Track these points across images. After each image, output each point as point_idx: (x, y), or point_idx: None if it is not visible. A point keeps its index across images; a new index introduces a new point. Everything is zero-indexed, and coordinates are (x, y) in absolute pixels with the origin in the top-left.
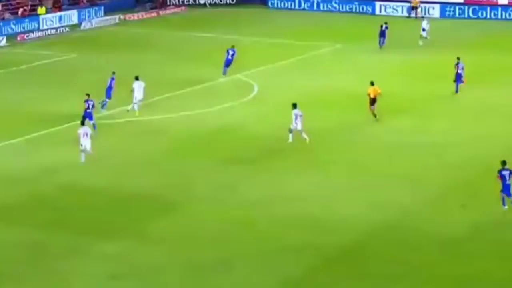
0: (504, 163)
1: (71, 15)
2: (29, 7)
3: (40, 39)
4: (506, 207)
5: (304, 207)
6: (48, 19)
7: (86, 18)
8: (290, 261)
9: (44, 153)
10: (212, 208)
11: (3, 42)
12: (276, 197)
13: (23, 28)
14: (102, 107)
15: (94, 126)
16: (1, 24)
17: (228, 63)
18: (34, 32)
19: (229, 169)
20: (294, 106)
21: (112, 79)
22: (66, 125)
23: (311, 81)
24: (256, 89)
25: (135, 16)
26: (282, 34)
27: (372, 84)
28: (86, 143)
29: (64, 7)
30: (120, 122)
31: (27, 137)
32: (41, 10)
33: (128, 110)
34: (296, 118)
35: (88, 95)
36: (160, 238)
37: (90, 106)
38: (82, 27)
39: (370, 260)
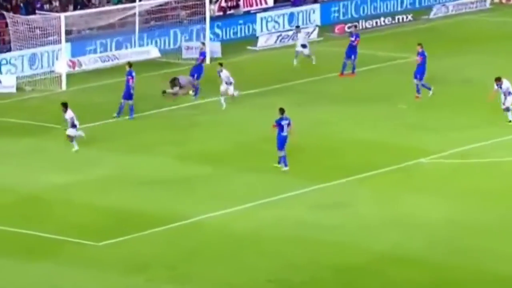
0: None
1: None
2: None
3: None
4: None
5: None
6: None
7: (438, 2)
8: None
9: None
10: None
11: (314, 35)
12: None
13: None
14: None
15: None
16: (319, 9)
17: None
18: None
19: None
20: None
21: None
22: (410, 162)
23: None
24: None
25: None
26: None
27: None
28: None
29: None
30: (478, 163)
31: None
32: None
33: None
34: None
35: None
36: None
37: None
38: (432, 15)
39: None
